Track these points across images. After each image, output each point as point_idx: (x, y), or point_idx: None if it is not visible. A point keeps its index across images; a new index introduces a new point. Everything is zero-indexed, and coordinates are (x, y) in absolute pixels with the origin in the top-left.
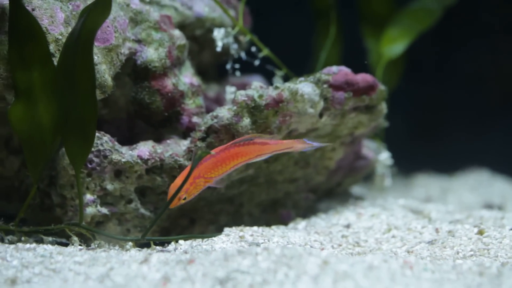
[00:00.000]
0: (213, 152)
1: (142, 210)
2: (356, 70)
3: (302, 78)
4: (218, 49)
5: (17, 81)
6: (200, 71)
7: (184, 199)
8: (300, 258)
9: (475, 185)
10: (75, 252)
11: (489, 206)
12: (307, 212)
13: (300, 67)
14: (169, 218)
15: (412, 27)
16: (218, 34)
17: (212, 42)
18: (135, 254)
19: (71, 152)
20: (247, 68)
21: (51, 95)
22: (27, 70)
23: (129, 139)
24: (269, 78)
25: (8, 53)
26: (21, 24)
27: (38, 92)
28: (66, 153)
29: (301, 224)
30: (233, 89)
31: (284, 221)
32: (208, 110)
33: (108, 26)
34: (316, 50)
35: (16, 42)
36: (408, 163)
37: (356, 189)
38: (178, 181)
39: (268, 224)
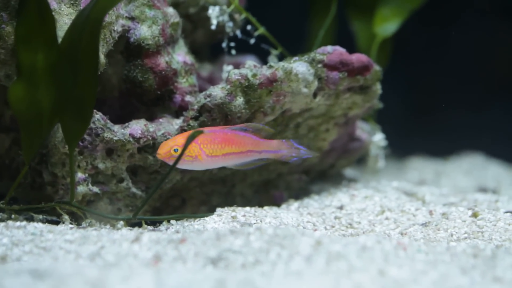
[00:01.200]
0: (206, 130)
1: (134, 189)
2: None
3: (296, 58)
4: (213, 27)
5: (20, 61)
6: (194, 50)
7: (176, 151)
8: (293, 238)
9: (469, 169)
10: (66, 231)
11: (483, 190)
12: (300, 193)
13: (295, 47)
14: (160, 198)
15: (404, 6)
16: (213, 12)
17: (206, 20)
18: (126, 233)
19: (67, 130)
20: (242, 47)
21: (53, 77)
22: (32, 51)
23: (121, 118)
24: (264, 58)
25: (15, 31)
26: (31, 3)
27: (40, 74)
28: (62, 131)
29: (294, 205)
30: (230, 67)
31: (276, 202)
32: (201, 90)
33: None
34: (311, 31)
35: (24, 21)
36: (402, 146)
37: (349, 171)
38: (178, 137)
39: (261, 205)
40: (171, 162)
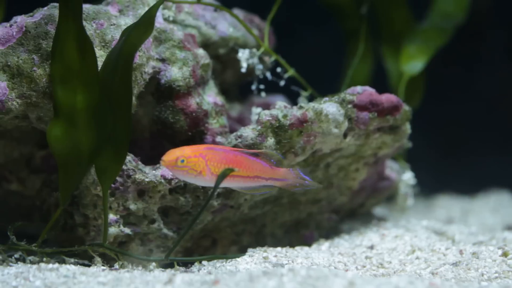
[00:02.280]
0: (218, 148)
1: (165, 230)
2: (384, 91)
3: (326, 98)
4: (243, 70)
5: (58, 101)
6: (223, 90)
7: (182, 161)
8: (326, 279)
9: (496, 206)
10: (99, 273)
11: (510, 228)
12: (330, 232)
13: (328, 87)
14: (191, 238)
15: (430, 43)
16: (242, 55)
17: (236, 61)
18: (159, 274)
19: (101, 171)
20: (271, 87)
21: (91, 117)
22: (71, 91)
23: (151, 159)
24: (293, 97)
25: (51, 70)
26: (70, 41)
27: (80, 114)
28: (96, 172)
29: (325, 245)
30: (258, 110)
31: (307, 242)
32: (231, 130)
33: None
34: (346, 70)
35: (62, 60)
36: (430, 183)
37: (378, 210)
38: (186, 148)
39: (291, 244)
40: (173, 172)
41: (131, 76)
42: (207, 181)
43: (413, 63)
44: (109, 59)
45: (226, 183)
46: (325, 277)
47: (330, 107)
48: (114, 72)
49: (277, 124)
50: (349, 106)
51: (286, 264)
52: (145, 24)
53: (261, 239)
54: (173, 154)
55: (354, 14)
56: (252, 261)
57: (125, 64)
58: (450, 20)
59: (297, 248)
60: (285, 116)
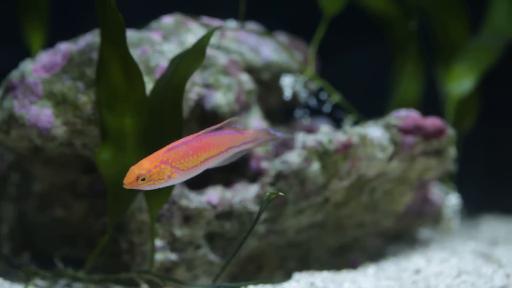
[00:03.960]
0: (179, 142)
1: (211, 256)
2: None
3: (371, 122)
4: (287, 98)
5: (106, 125)
6: (267, 115)
7: (143, 179)
8: None
9: None
10: None
11: None
12: (376, 256)
13: (374, 106)
14: (237, 263)
15: (478, 62)
16: (286, 82)
17: (279, 86)
18: None
19: (150, 197)
20: (314, 110)
21: (141, 141)
22: (119, 115)
23: (195, 184)
24: (337, 120)
25: (97, 94)
26: (117, 67)
27: (128, 138)
28: (145, 198)
29: (371, 268)
30: (302, 135)
31: (352, 266)
32: (276, 154)
33: None
34: (393, 89)
35: (108, 84)
36: (475, 204)
37: (424, 232)
38: (144, 162)
39: (337, 268)
40: (141, 188)
41: (182, 105)
42: (183, 177)
43: (460, 83)
44: (158, 86)
45: (202, 169)
46: None
47: (375, 131)
48: (163, 100)
49: (322, 149)
50: (394, 130)
51: None
52: (196, 53)
53: (306, 263)
54: (132, 174)
55: (401, 28)
56: (299, 286)
57: (175, 94)
58: (501, 37)
59: (343, 272)
60: (330, 141)
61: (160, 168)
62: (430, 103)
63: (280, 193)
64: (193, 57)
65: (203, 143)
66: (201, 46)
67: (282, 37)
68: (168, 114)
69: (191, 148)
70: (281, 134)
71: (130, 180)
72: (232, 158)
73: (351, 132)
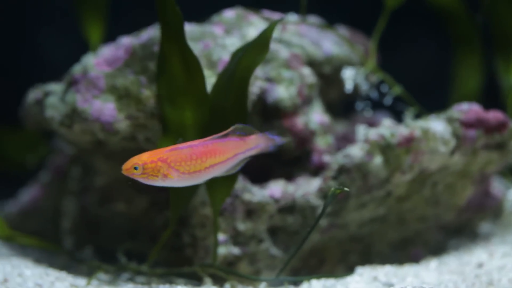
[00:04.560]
0: (183, 145)
1: (273, 250)
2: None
3: (433, 116)
4: (348, 90)
5: (167, 118)
6: (328, 108)
7: (136, 169)
8: None
9: None
10: None
11: None
12: (437, 250)
13: (433, 100)
14: (299, 257)
15: None
16: (348, 74)
17: (340, 79)
18: None
19: (213, 191)
20: (375, 103)
21: (202, 134)
22: (179, 109)
23: (257, 178)
24: (398, 113)
25: (158, 88)
26: (177, 61)
27: (189, 131)
28: (208, 192)
29: (433, 262)
30: (363, 128)
31: (414, 260)
32: (337, 148)
33: None
34: (453, 83)
35: (168, 79)
36: None
37: (484, 226)
38: (145, 154)
39: (398, 262)
40: (135, 178)
41: (246, 98)
42: (184, 181)
43: None
44: (221, 80)
45: (207, 176)
46: None
47: (437, 125)
48: (226, 93)
49: (385, 143)
50: (456, 123)
51: (396, 283)
52: (260, 46)
53: (368, 258)
54: (130, 162)
55: (464, 20)
56: (362, 280)
57: (239, 87)
58: None
59: (406, 266)
60: (392, 135)
61: (156, 165)
62: (490, 96)
63: (346, 188)
64: (257, 50)
65: (209, 149)
66: (264, 38)
67: (343, 30)
68: (231, 107)
69: (195, 153)
70: (279, 139)
71: (126, 167)
72: (237, 166)
73: (413, 126)
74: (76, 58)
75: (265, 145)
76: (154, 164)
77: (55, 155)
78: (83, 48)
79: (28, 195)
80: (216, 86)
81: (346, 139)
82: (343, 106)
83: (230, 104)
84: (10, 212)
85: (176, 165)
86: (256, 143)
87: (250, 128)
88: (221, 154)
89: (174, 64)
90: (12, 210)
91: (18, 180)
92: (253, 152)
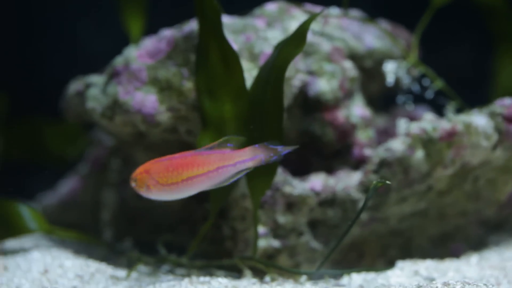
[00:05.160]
0: (164, 158)
1: (313, 243)
2: None
3: (475, 110)
4: (390, 83)
5: (205, 112)
6: (368, 102)
7: (134, 180)
8: None
9: None
10: (250, 286)
11: None
12: (477, 245)
13: (474, 95)
14: (339, 251)
15: None
16: (389, 67)
17: (381, 73)
18: (310, 287)
19: (252, 184)
20: (415, 97)
21: (241, 127)
22: (219, 102)
23: (297, 171)
24: (437, 108)
25: (196, 82)
26: (215, 54)
27: (229, 124)
28: (248, 184)
29: (473, 258)
30: (404, 122)
31: (454, 255)
32: (377, 142)
33: None
34: (495, 78)
35: (207, 72)
36: None
37: None
38: (141, 166)
39: (438, 257)
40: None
41: (283, 89)
42: (164, 194)
43: None
44: (262, 72)
45: (187, 189)
46: None
47: (479, 119)
48: (265, 85)
49: (426, 137)
50: (499, 118)
51: (437, 277)
52: (297, 39)
53: (407, 252)
54: (134, 173)
55: (506, 16)
56: (403, 274)
57: (276, 78)
58: None
59: (447, 260)
60: (434, 129)
61: (142, 176)
62: None
63: (387, 181)
64: (295, 42)
65: (187, 161)
66: (302, 31)
67: (384, 24)
68: (269, 100)
69: (172, 164)
70: (282, 148)
71: (132, 175)
72: (231, 179)
73: (455, 120)
74: (115, 50)
75: (265, 156)
76: (140, 176)
77: (94, 147)
78: (122, 40)
79: (66, 187)
80: (257, 79)
81: (386, 133)
82: (382, 100)
83: (269, 97)
84: (48, 203)
85: (157, 176)
86: (252, 154)
87: (243, 139)
88: (200, 166)
89: (212, 57)
90: (51, 201)
91: (59, 173)
92: (249, 164)
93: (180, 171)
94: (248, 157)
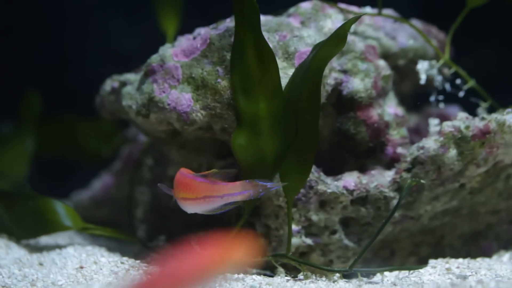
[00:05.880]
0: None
1: (346, 241)
2: None
3: (509, 109)
4: (422, 82)
5: (240, 110)
6: (400, 101)
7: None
8: None
9: None
10: (284, 283)
11: None
12: (509, 243)
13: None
14: (370, 249)
15: None
16: (422, 66)
17: (414, 72)
18: (344, 285)
19: (286, 181)
20: (446, 97)
21: (276, 126)
22: (254, 100)
23: (330, 170)
24: (469, 108)
25: (231, 80)
26: (251, 53)
27: (263, 123)
28: (282, 182)
29: (505, 256)
30: (436, 121)
31: (485, 253)
32: (409, 140)
33: None
34: None
35: (242, 71)
36: None
37: None
38: (179, 176)
39: (470, 255)
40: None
41: (320, 89)
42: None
43: None
44: (298, 71)
45: (185, 209)
46: None
47: None
48: (302, 83)
49: (459, 135)
50: None
51: (470, 275)
52: (337, 39)
53: (439, 250)
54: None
55: None
56: (435, 272)
57: (314, 77)
58: None
59: (479, 259)
60: (467, 127)
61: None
62: None
63: (422, 181)
64: (334, 42)
65: (186, 181)
66: (342, 31)
67: (417, 23)
68: (305, 99)
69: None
70: (271, 185)
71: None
72: (219, 209)
73: (489, 119)
74: (149, 49)
75: (254, 192)
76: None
77: (128, 144)
78: (156, 39)
79: (99, 183)
80: (292, 77)
81: (418, 132)
82: (413, 99)
83: (305, 96)
84: (81, 199)
85: (179, 194)
86: (241, 189)
87: (234, 171)
88: (190, 191)
89: (248, 55)
90: (84, 197)
91: (93, 171)
92: (238, 198)
93: (176, 190)
94: (237, 191)
